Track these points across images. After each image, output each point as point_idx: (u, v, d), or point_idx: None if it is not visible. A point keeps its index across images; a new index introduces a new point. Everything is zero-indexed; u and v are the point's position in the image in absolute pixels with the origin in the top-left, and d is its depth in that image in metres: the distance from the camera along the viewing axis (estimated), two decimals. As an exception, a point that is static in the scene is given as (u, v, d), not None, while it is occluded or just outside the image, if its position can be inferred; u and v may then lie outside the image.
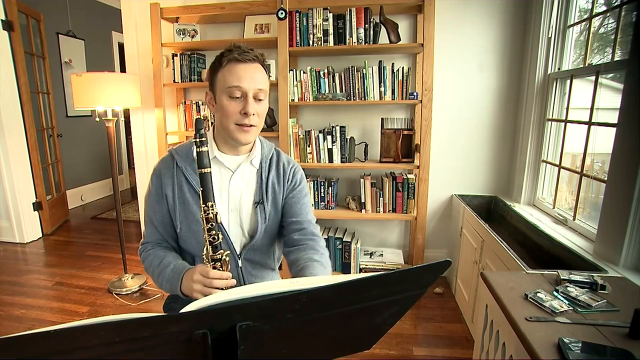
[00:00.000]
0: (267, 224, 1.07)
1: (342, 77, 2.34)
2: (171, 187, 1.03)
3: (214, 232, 0.88)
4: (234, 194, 1.06)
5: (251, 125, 0.98)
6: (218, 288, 0.86)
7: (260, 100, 0.99)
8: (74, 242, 3.24)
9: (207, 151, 0.87)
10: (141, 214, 2.98)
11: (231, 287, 0.86)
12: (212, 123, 2.57)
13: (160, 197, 1.05)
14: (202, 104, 2.60)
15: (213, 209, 0.87)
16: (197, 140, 0.86)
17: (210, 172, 0.88)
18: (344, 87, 2.35)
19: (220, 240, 0.89)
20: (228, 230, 1.05)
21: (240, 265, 1.07)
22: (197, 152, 0.87)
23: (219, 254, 0.89)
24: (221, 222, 1.01)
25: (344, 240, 2.47)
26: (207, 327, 0.48)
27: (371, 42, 2.25)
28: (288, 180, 1.11)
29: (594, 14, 1.72)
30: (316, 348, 0.65)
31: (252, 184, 1.08)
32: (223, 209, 1.05)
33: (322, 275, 0.96)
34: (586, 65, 1.74)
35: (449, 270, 2.39)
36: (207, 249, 0.89)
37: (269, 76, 1.04)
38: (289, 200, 1.11)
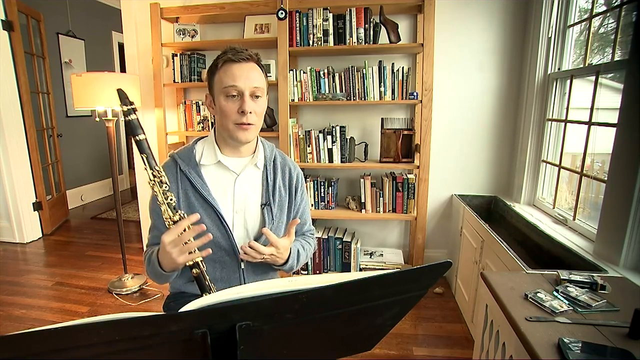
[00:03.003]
0: (273, 226, 1.08)
1: (342, 77, 2.34)
2: (176, 192, 1.03)
3: (169, 192, 0.89)
4: (239, 196, 1.06)
5: (250, 124, 0.99)
6: (189, 239, 0.87)
7: (257, 97, 1.00)
8: (74, 242, 3.24)
9: (137, 119, 0.86)
10: (141, 214, 2.98)
11: (195, 222, 0.88)
12: (212, 124, 2.58)
13: None
14: (202, 104, 2.60)
15: (160, 174, 0.88)
16: (128, 108, 0.84)
17: (146, 139, 0.87)
18: (344, 87, 2.35)
19: (174, 201, 0.90)
20: (232, 231, 1.05)
21: (242, 267, 1.08)
22: (126, 120, 0.85)
23: (177, 216, 0.89)
24: (226, 224, 1.03)
25: (344, 240, 2.47)
26: (206, 326, 0.48)
27: (371, 42, 2.25)
28: (294, 184, 1.15)
29: (594, 14, 1.72)
30: (316, 348, 0.65)
31: (257, 185, 1.09)
32: (227, 210, 1.05)
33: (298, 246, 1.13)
34: (586, 65, 1.74)
35: (449, 271, 2.39)
36: (167, 212, 0.88)
37: (267, 75, 1.05)
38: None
